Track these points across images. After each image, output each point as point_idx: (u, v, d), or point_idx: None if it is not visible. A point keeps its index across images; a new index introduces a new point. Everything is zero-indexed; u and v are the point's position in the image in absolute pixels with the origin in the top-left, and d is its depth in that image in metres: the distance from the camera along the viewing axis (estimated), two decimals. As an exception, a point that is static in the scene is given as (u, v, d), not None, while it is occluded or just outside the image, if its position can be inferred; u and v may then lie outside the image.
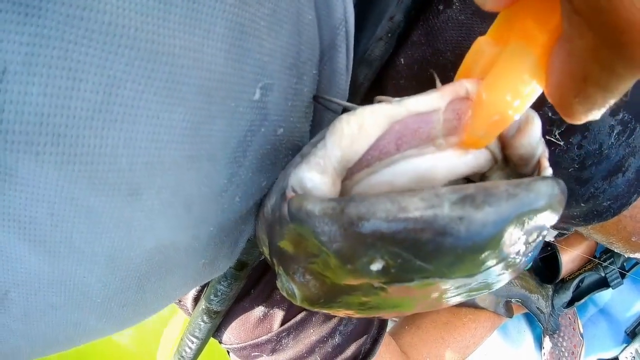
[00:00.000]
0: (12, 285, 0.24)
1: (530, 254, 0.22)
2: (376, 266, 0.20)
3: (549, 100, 0.19)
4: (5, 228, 0.22)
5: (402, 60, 0.37)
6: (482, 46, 0.22)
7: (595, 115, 0.18)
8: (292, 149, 0.30)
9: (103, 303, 0.28)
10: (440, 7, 0.35)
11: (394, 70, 0.38)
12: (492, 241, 0.18)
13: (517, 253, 0.20)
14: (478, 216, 0.17)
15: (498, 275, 0.22)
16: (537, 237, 0.21)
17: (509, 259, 0.20)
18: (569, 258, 0.86)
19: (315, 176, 0.22)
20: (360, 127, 0.22)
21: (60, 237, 0.23)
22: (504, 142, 0.25)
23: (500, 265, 0.20)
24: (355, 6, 0.31)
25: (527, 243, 0.20)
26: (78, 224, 0.23)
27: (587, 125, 0.36)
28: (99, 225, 0.23)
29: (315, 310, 0.28)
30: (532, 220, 0.19)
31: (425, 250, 0.18)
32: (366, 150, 0.22)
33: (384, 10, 0.34)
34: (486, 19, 0.22)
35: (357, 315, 0.28)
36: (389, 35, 0.34)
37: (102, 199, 0.22)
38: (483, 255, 0.19)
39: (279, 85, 0.27)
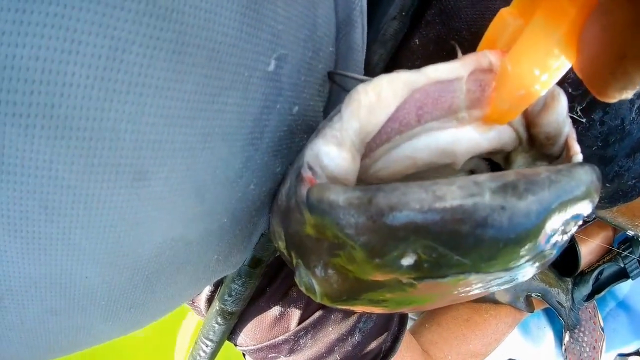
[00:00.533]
0: (5, 291, 0.22)
1: (561, 246, 0.21)
2: (407, 261, 0.18)
3: (580, 76, 0.18)
4: None
5: (416, 40, 0.36)
6: (505, 18, 0.21)
7: (629, 93, 0.17)
8: (307, 131, 0.28)
9: (108, 305, 0.25)
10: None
11: (409, 50, 0.37)
12: (534, 232, 0.17)
13: (555, 244, 0.19)
14: (521, 205, 0.16)
15: (529, 268, 0.21)
16: (574, 226, 0.20)
17: (547, 251, 0.19)
18: (587, 250, 0.84)
19: (332, 150, 0.20)
20: (379, 96, 0.20)
21: (56, 233, 0.20)
22: (529, 120, 0.24)
23: (536, 259, 0.19)
24: None
25: (564, 232, 0.19)
26: (76, 216, 0.20)
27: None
28: (100, 217, 0.21)
29: (336, 306, 0.27)
30: (573, 208, 0.18)
31: (464, 244, 0.17)
32: (385, 121, 0.21)
33: None
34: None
35: (377, 310, 0.27)
36: (403, 14, 0.33)
37: (103, 185, 0.20)
38: (524, 248, 0.18)
39: (293, 58, 0.25)
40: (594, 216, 0.66)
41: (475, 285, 0.21)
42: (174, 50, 0.19)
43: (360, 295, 0.23)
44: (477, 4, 0.33)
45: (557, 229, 0.18)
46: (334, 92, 0.30)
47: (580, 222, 0.20)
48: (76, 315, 0.25)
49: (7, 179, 0.18)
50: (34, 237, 0.20)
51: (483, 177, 0.17)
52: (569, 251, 0.84)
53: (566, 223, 0.18)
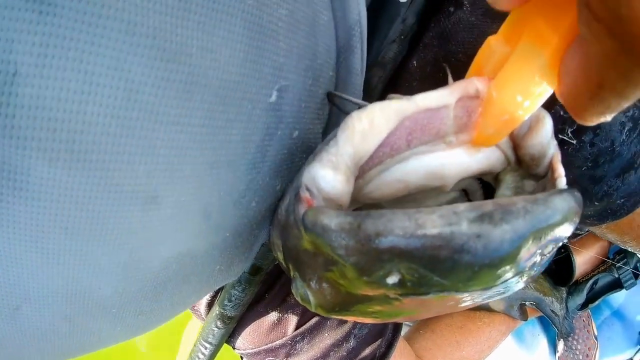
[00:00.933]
0: (23, 300, 0.23)
1: (546, 263, 0.22)
2: (392, 279, 0.20)
3: (561, 101, 0.19)
4: (17, 241, 0.21)
5: (414, 62, 0.37)
6: (492, 45, 0.22)
7: (607, 118, 0.18)
8: (306, 152, 0.30)
9: (118, 313, 0.27)
10: (451, 9, 0.35)
11: (407, 72, 0.38)
12: (509, 257, 0.18)
13: (534, 264, 0.20)
14: (496, 233, 0.17)
15: (513, 284, 0.22)
16: (553, 248, 0.21)
17: (525, 271, 0.20)
18: (582, 260, 0.85)
19: (328, 173, 0.22)
20: (371, 123, 0.22)
21: (74, 249, 0.22)
22: (515, 142, 0.25)
23: (516, 277, 0.20)
24: (368, 9, 0.31)
25: (542, 255, 0.20)
26: (93, 235, 0.22)
27: (599, 123, 0.36)
28: (116, 236, 0.22)
29: (330, 316, 0.28)
30: (549, 234, 0.19)
31: (442, 267, 0.18)
32: (377, 146, 0.23)
33: (396, 13, 0.34)
34: (496, 19, 0.22)
35: (369, 321, 0.28)
36: (402, 37, 0.34)
37: (119, 208, 0.22)
38: (500, 271, 0.19)
39: (294, 87, 0.27)
40: (587, 229, 0.67)
41: (465, 300, 0.22)
42: (183, 89, 0.21)
43: (351, 307, 0.24)
44: (473, 28, 0.35)
45: (534, 252, 0.19)
46: (334, 113, 0.32)
47: (560, 244, 0.21)
48: (88, 322, 0.26)
49: (32, 203, 0.20)
50: (53, 253, 0.22)
51: (462, 207, 0.18)
52: (564, 261, 0.85)
53: (544, 247, 0.20)
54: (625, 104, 0.16)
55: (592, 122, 0.18)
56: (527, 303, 0.83)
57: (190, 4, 0.20)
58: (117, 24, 0.18)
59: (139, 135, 0.20)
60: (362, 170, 0.24)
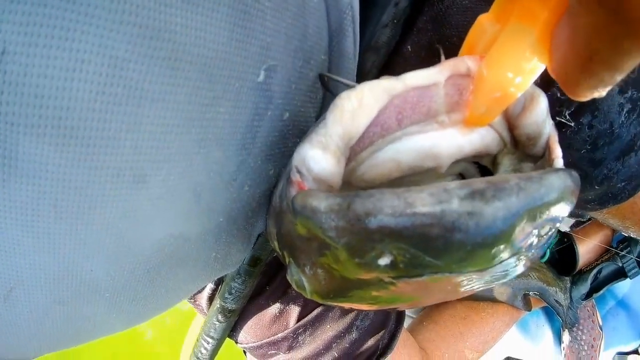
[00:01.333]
0: (16, 282, 0.24)
1: (545, 245, 0.22)
2: (384, 260, 0.20)
3: (553, 76, 0.19)
4: (8, 222, 0.21)
5: (409, 47, 0.37)
6: (483, 25, 0.22)
7: (601, 92, 0.18)
8: (298, 136, 0.30)
9: (112, 297, 0.27)
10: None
11: (402, 57, 0.38)
12: (502, 236, 0.18)
13: (530, 245, 0.20)
14: (488, 211, 0.17)
15: (512, 267, 0.22)
16: (551, 229, 0.21)
17: (522, 252, 0.20)
18: (585, 249, 0.85)
19: (317, 153, 0.22)
20: (360, 102, 0.22)
21: (65, 229, 0.22)
22: (510, 122, 0.25)
23: (513, 259, 0.20)
24: None
25: (539, 235, 0.20)
26: (82, 215, 0.22)
27: (597, 105, 0.36)
28: (104, 215, 0.23)
29: (327, 303, 0.28)
30: (545, 213, 0.19)
31: (434, 246, 0.18)
32: (367, 125, 0.22)
33: None
34: (490, 1, 0.23)
35: (370, 308, 0.28)
36: (395, 21, 0.34)
37: (107, 186, 0.22)
38: (494, 250, 0.19)
39: (282, 68, 0.27)
40: (588, 217, 0.67)
41: (464, 284, 0.22)
42: (167, 66, 0.21)
43: (347, 293, 0.24)
44: (467, 11, 0.34)
45: (530, 232, 0.19)
46: (328, 97, 0.32)
47: (559, 224, 0.21)
48: (82, 306, 0.26)
49: (21, 181, 0.20)
50: (44, 233, 0.22)
51: (453, 185, 0.18)
52: (567, 250, 0.85)
53: (541, 226, 0.19)
54: (618, 76, 0.16)
55: (586, 97, 0.18)
56: (530, 293, 0.83)
57: None
58: (100, 2, 0.19)
59: (124, 111, 0.21)
60: (354, 152, 0.24)
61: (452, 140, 0.24)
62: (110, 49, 0.19)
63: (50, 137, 0.20)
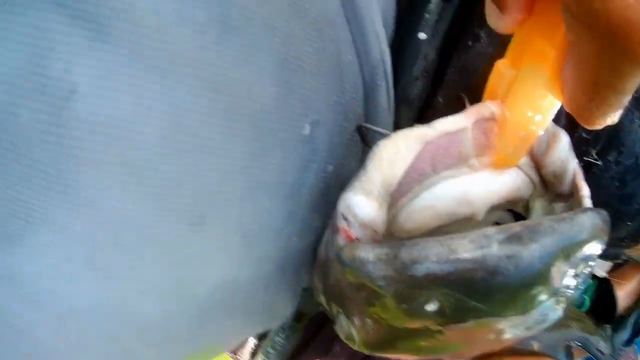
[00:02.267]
0: (69, 311, 0.24)
1: (581, 285, 0.23)
2: (431, 307, 0.21)
3: (568, 110, 0.20)
4: (69, 249, 0.21)
5: (440, 99, 0.38)
6: (501, 70, 0.24)
7: (613, 118, 0.19)
8: (341, 188, 0.31)
9: (162, 335, 0.27)
10: (469, 43, 0.36)
11: (434, 109, 0.39)
12: (540, 276, 0.19)
13: (567, 286, 0.21)
14: (525, 253, 0.18)
15: (551, 310, 0.22)
16: (585, 267, 0.22)
17: (560, 293, 0.21)
18: (624, 293, 0.83)
19: (361, 199, 0.23)
20: (396, 150, 0.23)
21: (124, 264, 0.23)
22: (537, 162, 0.26)
23: (552, 300, 0.21)
24: (390, 47, 0.33)
25: (575, 275, 0.21)
26: (144, 252, 0.23)
27: (622, 141, 0.37)
28: (163, 254, 0.23)
29: (374, 354, 0.28)
30: (578, 252, 0.20)
31: (478, 290, 0.19)
32: (404, 172, 0.24)
33: (418, 50, 0.36)
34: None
35: (415, 358, 0.29)
36: (425, 74, 0.36)
37: (168, 226, 0.23)
38: (533, 291, 0.20)
39: (324, 122, 0.28)
40: (624, 257, 0.66)
41: (507, 331, 0.23)
42: (225, 117, 0.23)
43: (395, 344, 0.25)
44: (492, 58, 0.36)
45: (566, 271, 0.20)
46: (366, 151, 0.33)
47: (593, 263, 0.22)
48: (130, 342, 0.27)
49: (84, 212, 0.21)
50: (103, 266, 0.23)
51: (492, 230, 0.19)
52: (606, 296, 0.83)
53: (575, 264, 0.21)
54: (624, 98, 0.18)
55: (600, 124, 0.19)
56: (573, 344, 0.81)
57: (226, 40, 0.22)
58: (165, 55, 0.20)
59: (186, 156, 0.22)
60: (394, 199, 0.25)
61: (483, 184, 0.25)
62: (174, 98, 0.21)
63: (114, 175, 0.21)
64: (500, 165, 0.25)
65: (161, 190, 0.22)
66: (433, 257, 0.19)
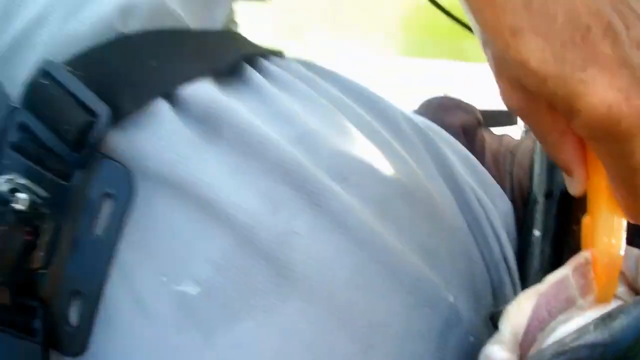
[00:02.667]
0: None
1: None
2: None
3: (631, 221, 0.25)
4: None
5: None
6: (586, 223, 0.29)
7: None
8: None
9: None
10: (575, 228, 0.38)
11: None
12: (635, 343, 0.22)
13: None
14: (615, 324, 0.22)
15: None
16: None
17: None
18: None
19: (496, 348, 0.27)
20: (519, 305, 0.27)
21: None
22: (633, 287, 0.29)
23: None
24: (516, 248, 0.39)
25: None
26: None
27: None
28: None
29: None
30: None
31: None
32: (527, 322, 0.28)
33: (535, 247, 0.40)
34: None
35: None
36: (544, 266, 0.40)
37: None
38: None
39: (462, 299, 0.33)
40: None
41: None
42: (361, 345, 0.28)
43: None
44: None
45: None
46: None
47: None
48: None
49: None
50: None
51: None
52: None
53: None
54: None
55: None
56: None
57: (369, 277, 0.28)
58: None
59: None
60: (522, 350, 0.28)
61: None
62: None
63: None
64: (601, 299, 0.28)
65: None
66: None
